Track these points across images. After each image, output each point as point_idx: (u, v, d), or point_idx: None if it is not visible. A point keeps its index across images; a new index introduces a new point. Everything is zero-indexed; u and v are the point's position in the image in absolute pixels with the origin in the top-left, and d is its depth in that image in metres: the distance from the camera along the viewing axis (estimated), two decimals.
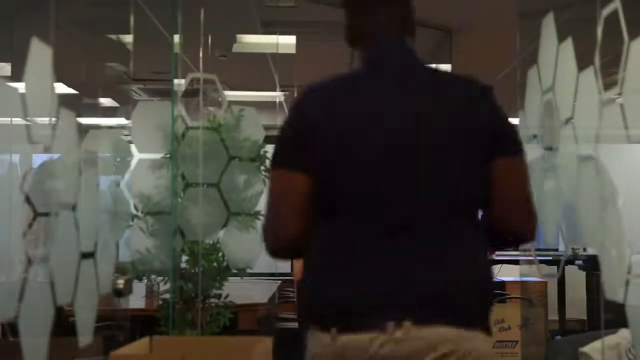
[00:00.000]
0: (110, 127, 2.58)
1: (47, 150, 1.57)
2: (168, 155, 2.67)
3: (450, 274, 1.35)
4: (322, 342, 1.35)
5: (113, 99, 4.91)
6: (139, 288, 3.96)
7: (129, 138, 2.61)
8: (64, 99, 1.63)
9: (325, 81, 1.52)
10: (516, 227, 1.43)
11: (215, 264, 2.91)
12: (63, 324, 1.67)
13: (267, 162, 2.98)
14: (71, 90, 3.99)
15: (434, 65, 1.52)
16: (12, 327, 1.70)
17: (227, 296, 2.94)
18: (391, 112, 1.43)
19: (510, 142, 1.44)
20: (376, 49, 1.51)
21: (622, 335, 2.46)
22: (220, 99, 2.76)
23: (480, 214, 1.47)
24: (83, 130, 1.87)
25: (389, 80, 1.47)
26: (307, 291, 1.45)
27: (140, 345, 2.22)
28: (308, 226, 1.42)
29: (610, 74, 1.40)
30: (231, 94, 4.96)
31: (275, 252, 1.51)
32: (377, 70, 1.49)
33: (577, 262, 5.50)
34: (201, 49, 2.77)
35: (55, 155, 1.67)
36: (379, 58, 1.50)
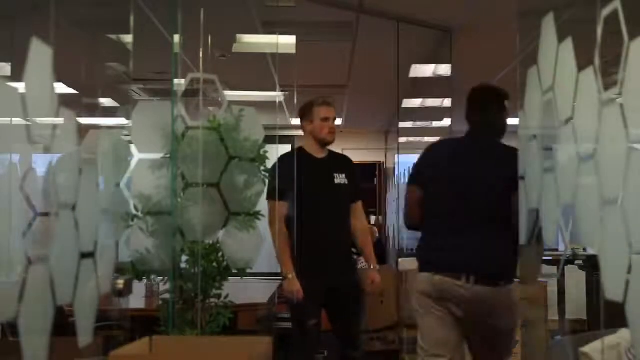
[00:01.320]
0: (110, 127, 2.58)
1: (47, 150, 1.57)
2: (168, 155, 2.67)
3: (490, 255, 2.68)
4: (426, 278, 2.77)
5: (113, 99, 4.91)
6: (139, 288, 3.96)
7: (129, 138, 2.61)
8: (64, 99, 1.63)
9: (443, 140, 3.24)
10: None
11: (215, 264, 2.91)
12: (63, 324, 1.67)
13: (267, 163, 2.98)
14: (71, 90, 3.99)
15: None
16: (12, 327, 1.70)
17: (227, 296, 2.94)
18: (470, 164, 2.78)
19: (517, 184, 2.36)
20: (475, 130, 2.88)
21: (622, 336, 2.46)
22: (220, 99, 2.76)
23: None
24: (83, 130, 1.86)
25: (474, 148, 2.83)
26: (423, 253, 2.87)
27: (140, 345, 2.22)
28: (422, 215, 2.86)
29: (610, 74, 1.40)
30: (231, 94, 4.96)
31: (409, 227, 3.08)
32: (471, 141, 2.88)
33: (577, 262, 5.50)
34: (201, 49, 2.77)
35: (57, 156, 1.67)
36: (475, 135, 2.88)
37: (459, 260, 2.70)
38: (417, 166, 2.97)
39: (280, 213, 3.49)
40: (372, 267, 3.71)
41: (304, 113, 3.67)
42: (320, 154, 3.67)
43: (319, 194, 3.58)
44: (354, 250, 3.82)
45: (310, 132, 3.65)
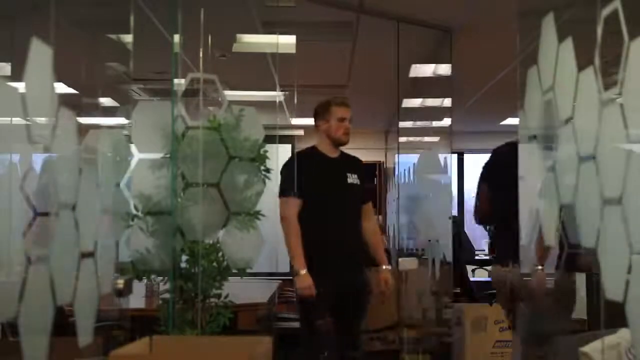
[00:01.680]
0: (110, 127, 2.58)
1: (47, 150, 1.57)
2: (168, 155, 2.67)
3: None
4: (494, 269, 3.75)
5: (113, 99, 4.91)
6: (139, 288, 3.96)
7: (129, 138, 2.61)
8: (64, 99, 1.63)
9: (507, 142, 3.52)
10: None
11: (215, 263, 2.90)
12: (63, 324, 1.67)
13: (267, 162, 2.98)
14: (71, 90, 3.99)
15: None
16: (12, 327, 1.70)
17: (227, 296, 2.94)
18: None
19: None
20: None
21: (622, 336, 2.46)
22: (220, 99, 2.76)
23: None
24: (83, 130, 1.86)
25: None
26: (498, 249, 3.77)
27: (140, 345, 2.22)
28: (491, 211, 3.65)
29: (610, 74, 1.40)
30: (231, 94, 4.96)
31: (478, 222, 3.84)
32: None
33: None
34: (201, 49, 2.76)
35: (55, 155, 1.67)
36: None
37: (508, 251, 3.15)
38: (485, 167, 3.73)
39: (292, 209, 3.49)
40: (384, 267, 3.73)
41: (320, 112, 3.66)
42: (333, 154, 3.68)
43: (332, 194, 3.59)
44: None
45: (325, 132, 3.64)
